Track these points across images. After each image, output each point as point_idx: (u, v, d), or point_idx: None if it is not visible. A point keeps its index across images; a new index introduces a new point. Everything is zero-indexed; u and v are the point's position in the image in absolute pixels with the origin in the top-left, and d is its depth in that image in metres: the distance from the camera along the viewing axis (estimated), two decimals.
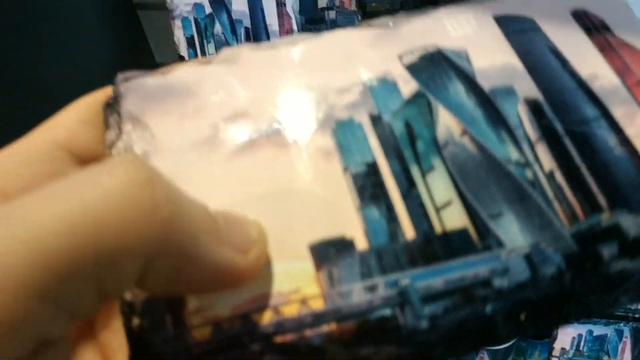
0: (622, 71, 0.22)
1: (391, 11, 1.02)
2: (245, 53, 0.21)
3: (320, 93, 0.21)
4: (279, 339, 0.17)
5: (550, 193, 0.19)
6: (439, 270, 0.18)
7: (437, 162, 0.20)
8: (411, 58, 0.22)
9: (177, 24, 0.88)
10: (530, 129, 0.20)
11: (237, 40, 0.88)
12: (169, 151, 0.19)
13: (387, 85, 0.21)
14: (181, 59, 0.91)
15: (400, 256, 0.18)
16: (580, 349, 1.35)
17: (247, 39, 0.87)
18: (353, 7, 0.93)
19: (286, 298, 0.18)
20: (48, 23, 0.80)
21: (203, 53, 0.90)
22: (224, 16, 0.86)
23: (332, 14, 0.97)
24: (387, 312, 0.18)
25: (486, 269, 0.18)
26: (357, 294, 0.18)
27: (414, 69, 0.22)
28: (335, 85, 0.21)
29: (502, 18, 0.23)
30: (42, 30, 0.79)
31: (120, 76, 0.21)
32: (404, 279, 0.18)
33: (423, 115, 0.21)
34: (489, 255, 0.18)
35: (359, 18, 0.96)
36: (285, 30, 0.86)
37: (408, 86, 0.21)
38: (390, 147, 0.20)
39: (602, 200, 0.19)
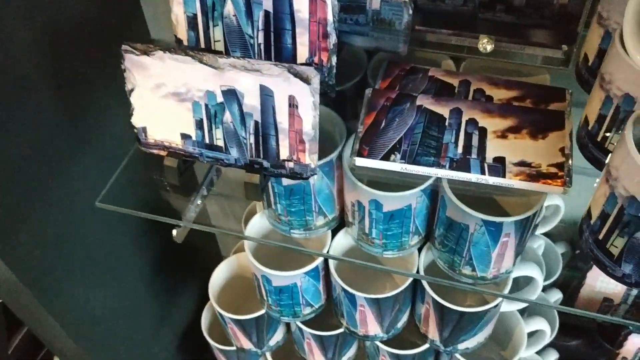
0: None
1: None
2: None
3: None
4: None
5: None
6: None
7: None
8: None
9: None
10: None
11: (252, 27, 0.67)
12: None
13: None
14: (178, 42, 0.71)
15: None
16: None
17: (266, 25, 0.67)
18: None
19: None
20: None
21: (207, 38, 0.69)
22: None
23: (375, 3, 0.76)
24: None
25: None
26: None
27: None
28: None
29: None
30: None
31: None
32: None
33: None
34: None
35: (410, 11, 0.75)
36: (317, 20, 0.65)
37: None
38: None
39: None
